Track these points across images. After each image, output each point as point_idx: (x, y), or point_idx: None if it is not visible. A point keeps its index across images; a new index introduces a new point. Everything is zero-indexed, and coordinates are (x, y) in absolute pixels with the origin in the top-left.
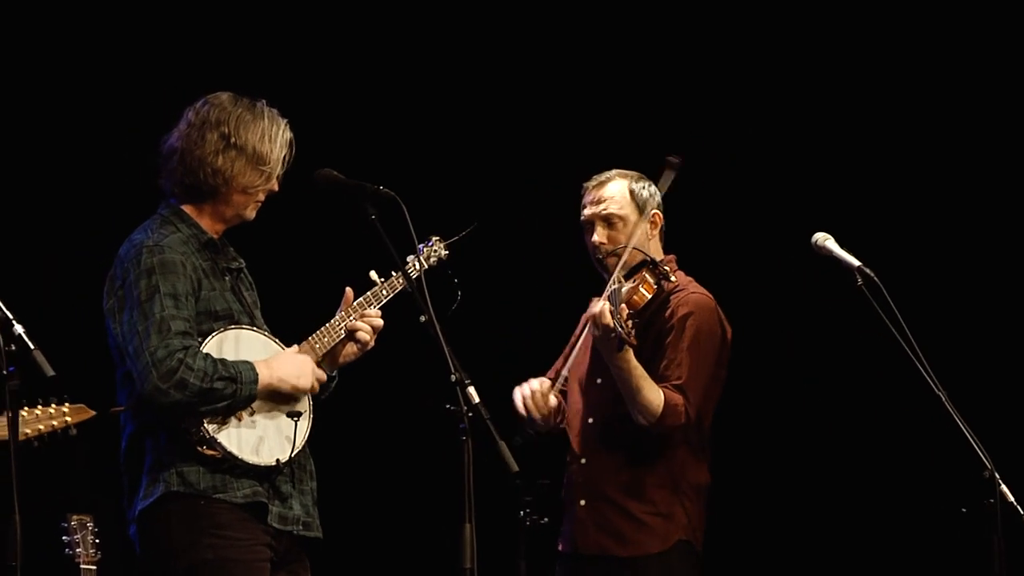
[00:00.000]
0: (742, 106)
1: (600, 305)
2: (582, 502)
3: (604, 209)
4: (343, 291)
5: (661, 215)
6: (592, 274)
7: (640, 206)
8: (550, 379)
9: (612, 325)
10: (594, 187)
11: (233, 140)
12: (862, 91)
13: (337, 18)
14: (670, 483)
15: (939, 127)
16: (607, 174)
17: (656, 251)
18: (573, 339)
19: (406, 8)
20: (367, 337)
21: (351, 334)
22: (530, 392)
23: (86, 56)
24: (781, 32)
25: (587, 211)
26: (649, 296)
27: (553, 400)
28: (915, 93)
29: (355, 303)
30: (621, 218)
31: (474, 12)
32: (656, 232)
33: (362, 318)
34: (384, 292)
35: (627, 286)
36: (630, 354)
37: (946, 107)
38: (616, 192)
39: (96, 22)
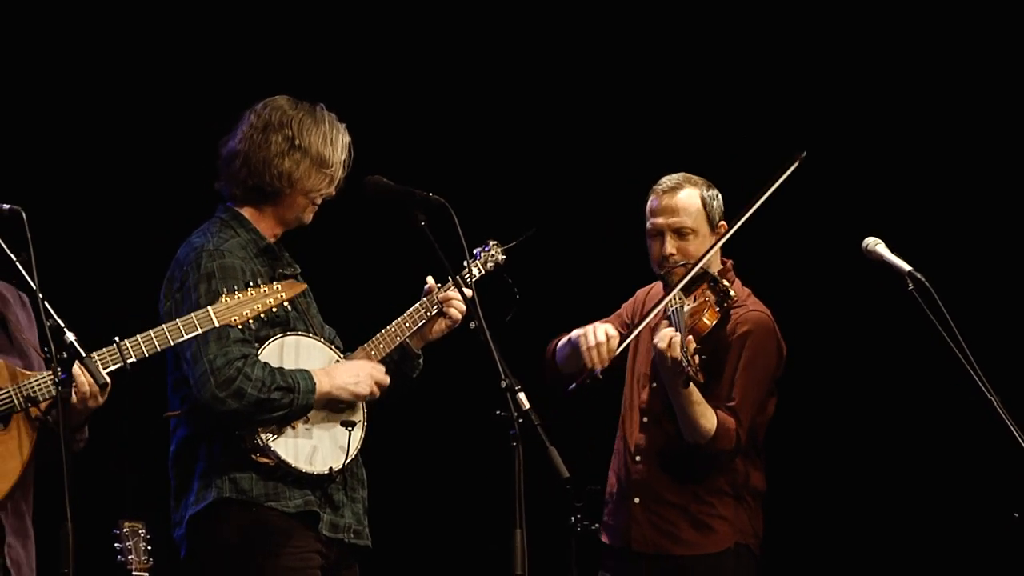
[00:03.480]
0: (796, 110)
1: (668, 334)
2: (636, 500)
3: (678, 222)
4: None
5: (726, 224)
6: (646, 277)
7: (710, 218)
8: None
9: (680, 359)
10: (665, 194)
11: (297, 142)
12: (914, 95)
13: (388, 23)
14: (730, 487)
15: (991, 133)
16: (675, 179)
17: (716, 259)
18: (627, 312)
19: (457, 12)
20: (457, 314)
21: (441, 310)
22: (595, 343)
23: (141, 63)
24: (831, 36)
25: (659, 220)
26: (713, 324)
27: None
28: (967, 99)
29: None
30: (693, 231)
31: (526, 16)
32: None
33: (448, 300)
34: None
35: (689, 306)
36: (693, 386)
37: (998, 113)
38: (690, 203)
39: (145, 26)
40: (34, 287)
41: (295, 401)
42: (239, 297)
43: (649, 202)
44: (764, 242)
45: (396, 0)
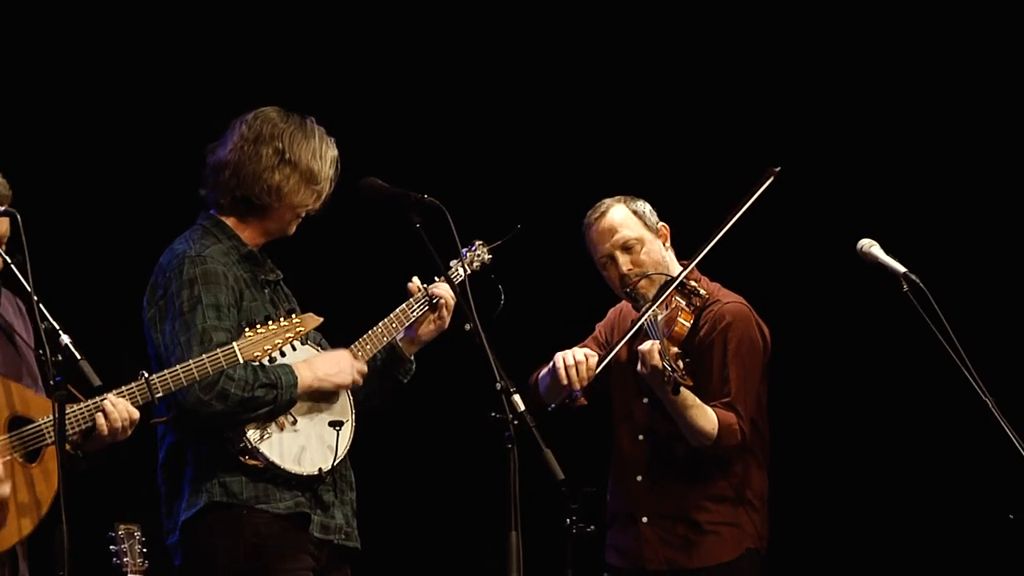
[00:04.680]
0: (790, 112)
1: (647, 345)
2: (644, 519)
3: (620, 238)
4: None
5: (666, 225)
6: None
7: (648, 224)
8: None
9: (662, 367)
10: (596, 221)
11: (288, 156)
12: (909, 96)
13: (380, 26)
14: (734, 494)
15: (984, 135)
16: (602, 205)
17: (673, 262)
18: (601, 333)
19: (449, 17)
20: (448, 301)
21: (433, 304)
22: (573, 363)
23: (134, 69)
24: (823, 39)
25: (603, 246)
26: (689, 325)
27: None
28: (962, 100)
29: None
30: (638, 239)
31: (515, 19)
32: (668, 243)
33: (437, 294)
34: (427, 297)
35: (662, 315)
36: (686, 391)
37: (992, 115)
38: (623, 218)
39: (143, 29)
40: (29, 289)
41: (279, 397)
42: (262, 332)
43: (587, 236)
44: (759, 244)
45: (389, 2)
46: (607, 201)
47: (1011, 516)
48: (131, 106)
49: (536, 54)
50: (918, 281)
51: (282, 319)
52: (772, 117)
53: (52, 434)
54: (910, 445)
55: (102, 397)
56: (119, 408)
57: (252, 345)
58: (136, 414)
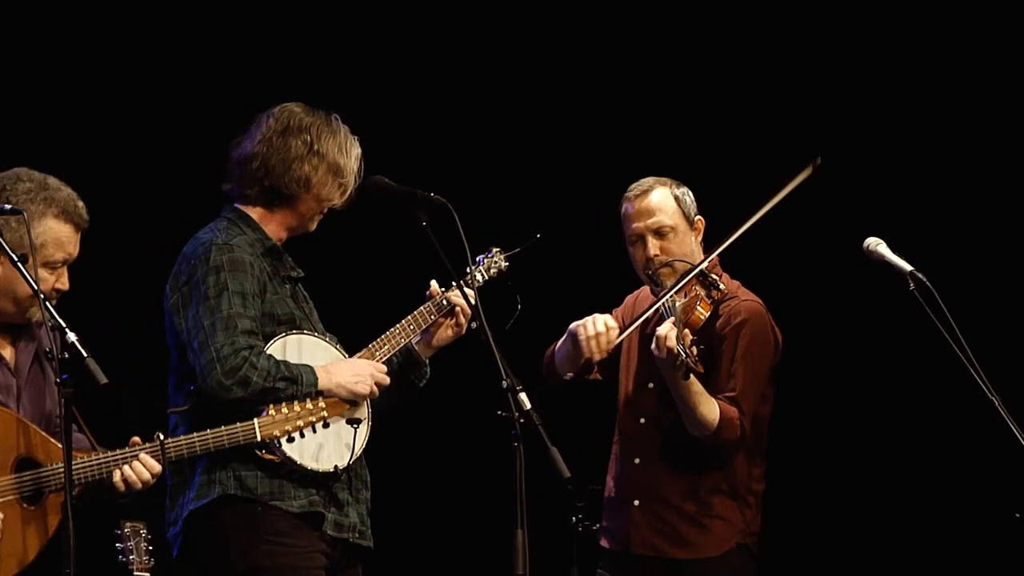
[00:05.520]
0: (799, 111)
1: (664, 328)
2: (636, 502)
3: (656, 222)
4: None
5: (703, 219)
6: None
7: (686, 214)
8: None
9: (677, 351)
10: (637, 198)
11: (316, 147)
12: (916, 94)
13: (394, 25)
14: (728, 488)
15: (991, 133)
16: (645, 183)
17: (700, 254)
18: (618, 318)
19: (464, 16)
20: (462, 310)
21: (450, 310)
22: (595, 333)
23: (145, 66)
24: (830, 37)
25: (637, 224)
26: (707, 315)
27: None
28: (967, 99)
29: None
30: (672, 228)
31: (533, 21)
32: (699, 238)
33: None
34: (445, 302)
35: (681, 301)
36: (694, 377)
37: (998, 113)
38: (663, 202)
39: (149, 30)
40: (35, 287)
41: (298, 392)
42: (284, 412)
43: (623, 209)
44: (766, 242)
45: (403, 2)
46: (651, 180)
47: (1017, 515)
48: (144, 101)
49: (555, 58)
50: (924, 280)
51: (308, 402)
52: (774, 117)
53: (54, 482)
54: (916, 444)
55: (114, 453)
56: (135, 468)
57: (273, 424)
58: (158, 468)
